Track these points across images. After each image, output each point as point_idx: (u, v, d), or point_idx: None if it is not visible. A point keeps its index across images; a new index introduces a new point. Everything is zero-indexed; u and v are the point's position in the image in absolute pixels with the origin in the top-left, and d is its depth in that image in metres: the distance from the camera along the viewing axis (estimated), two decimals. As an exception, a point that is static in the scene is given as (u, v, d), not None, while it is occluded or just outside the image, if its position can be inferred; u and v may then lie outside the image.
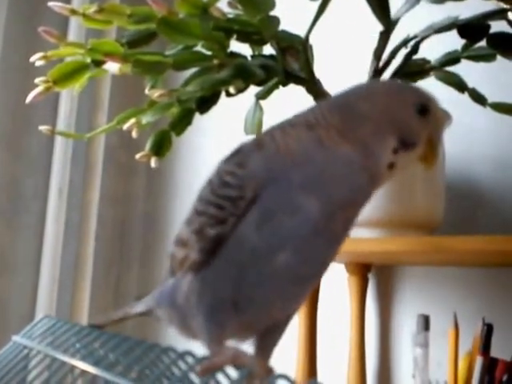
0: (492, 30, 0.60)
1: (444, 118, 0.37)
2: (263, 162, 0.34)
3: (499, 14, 0.61)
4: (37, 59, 0.57)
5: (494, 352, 0.61)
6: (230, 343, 0.35)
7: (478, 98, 0.64)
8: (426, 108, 0.36)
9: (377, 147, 0.35)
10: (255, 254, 0.33)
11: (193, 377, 0.35)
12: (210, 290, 0.35)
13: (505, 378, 0.60)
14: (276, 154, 0.34)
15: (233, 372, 0.31)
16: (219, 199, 0.35)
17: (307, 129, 0.35)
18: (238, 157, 0.36)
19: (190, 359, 0.34)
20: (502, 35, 0.60)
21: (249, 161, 0.34)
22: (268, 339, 0.38)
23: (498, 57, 0.62)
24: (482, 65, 0.64)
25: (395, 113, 0.36)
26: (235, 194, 0.34)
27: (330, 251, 0.36)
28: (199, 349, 0.36)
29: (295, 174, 0.33)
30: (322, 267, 0.36)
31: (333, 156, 0.34)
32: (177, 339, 0.35)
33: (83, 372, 0.38)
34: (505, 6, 0.60)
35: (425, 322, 0.63)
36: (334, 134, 0.35)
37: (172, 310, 0.38)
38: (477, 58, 0.64)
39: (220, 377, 0.33)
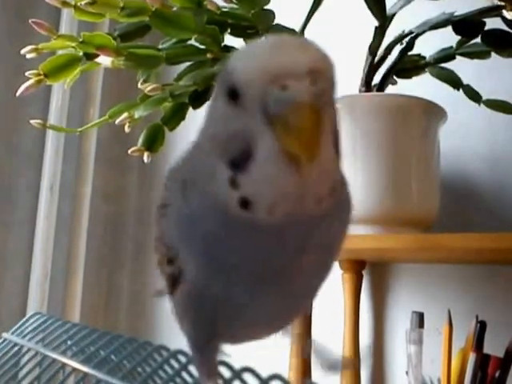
0: (487, 27, 0.60)
1: (268, 69, 0.24)
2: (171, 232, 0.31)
3: (494, 11, 0.61)
4: (28, 52, 0.56)
5: (487, 349, 0.61)
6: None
7: (473, 95, 0.64)
8: (234, 85, 0.24)
9: (214, 188, 0.26)
10: (216, 304, 0.29)
11: (185, 375, 0.34)
12: (187, 312, 0.32)
13: (497, 374, 0.60)
14: (174, 227, 0.30)
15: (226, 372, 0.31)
16: (161, 234, 0.32)
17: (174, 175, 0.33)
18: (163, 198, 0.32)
19: (182, 358, 0.34)
20: (496, 32, 0.60)
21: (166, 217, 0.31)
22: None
23: (493, 54, 0.62)
24: (476, 62, 0.64)
25: (211, 124, 0.27)
26: (166, 242, 0.31)
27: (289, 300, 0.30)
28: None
29: (193, 254, 0.29)
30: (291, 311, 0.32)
31: (194, 214, 0.28)
32: (169, 338, 0.35)
33: (74, 369, 0.38)
34: (499, 3, 0.60)
35: (419, 320, 0.63)
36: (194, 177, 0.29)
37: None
38: (471, 54, 0.63)
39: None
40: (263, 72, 0.24)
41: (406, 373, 0.64)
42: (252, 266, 0.27)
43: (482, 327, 0.61)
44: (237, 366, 0.31)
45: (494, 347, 0.61)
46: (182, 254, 0.29)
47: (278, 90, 0.23)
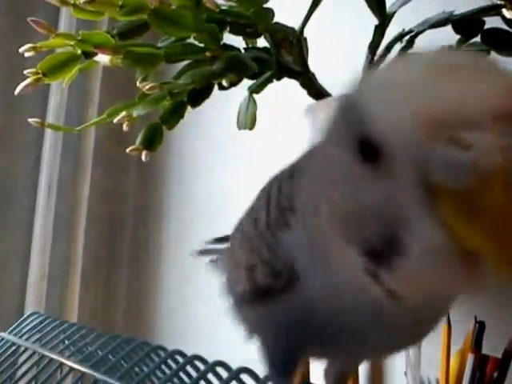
0: (486, 26, 0.60)
1: (436, 114, 0.15)
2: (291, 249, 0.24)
3: (494, 10, 0.60)
4: (26, 50, 0.56)
5: (486, 349, 0.61)
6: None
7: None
8: (374, 143, 0.17)
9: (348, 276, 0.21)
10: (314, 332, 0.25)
11: (182, 375, 0.34)
12: (274, 330, 0.27)
13: (495, 375, 0.60)
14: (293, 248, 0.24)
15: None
16: (274, 242, 0.25)
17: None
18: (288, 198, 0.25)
19: (179, 358, 0.33)
20: (496, 31, 0.60)
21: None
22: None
23: (492, 53, 0.62)
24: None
25: (336, 201, 0.19)
26: (283, 259, 0.24)
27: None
28: (189, 348, 0.35)
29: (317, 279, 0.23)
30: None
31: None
32: (167, 338, 0.34)
33: (72, 369, 0.38)
34: (499, 2, 0.60)
35: (417, 320, 0.63)
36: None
37: None
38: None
39: (210, 376, 0.32)
40: (425, 119, 0.15)
41: (405, 373, 0.64)
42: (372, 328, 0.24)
43: (480, 328, 0.61)
44: (236, 365, 0.31)
45: (492, 348, 0.61)
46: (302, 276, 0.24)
47: (450, 148, 0.15)
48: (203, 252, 0.45)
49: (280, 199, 0.25)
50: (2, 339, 0.46)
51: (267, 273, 0.25)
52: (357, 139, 0.17)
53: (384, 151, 0.16)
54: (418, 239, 0.17)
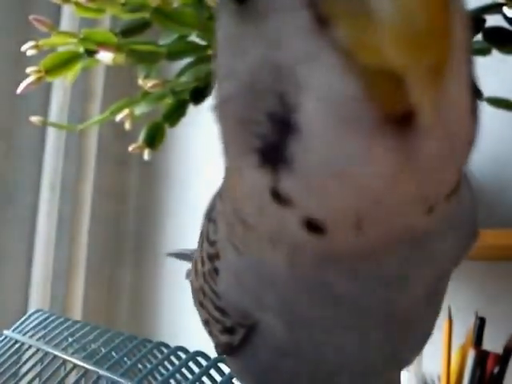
0: (488, 24, 0.60)
1: None
2: (234, 293, 0.21)
3: (495, 7, 0.60)
4: (28, 48, 0.56)
5: (486, 345, 0.61)
6: None
7: (474, 93, 0.64)
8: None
9: (255, 211, 0.16)
10: (294, 378, 0.22)
11: (185, 372, 0.34)
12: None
13: (496, 370, 0.60)
14: (234, 284, 0.21)
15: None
16: (217, 305, 0.22)
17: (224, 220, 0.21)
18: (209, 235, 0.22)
19: (182, 355, 0.34)
20: (497, 29, 0.60)
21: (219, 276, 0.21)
22: None
23: (494, 51, 0.62)
24: (477, 59, 0.63)
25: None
26: (229, 309, 0.22)
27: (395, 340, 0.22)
28: (192, 345, 0.35)
29: (272, 310, 0.20)
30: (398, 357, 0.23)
31: (260, 272, 0.19)
32: (169, 335, 0.35)
33: (75, 366, 0.38)
34: (501, 0, 0.60)
35: (419, 316, 0.63)
36: (238, 224, 0.19)
37: None
38: (472, 51, 0.63)
39: (213, 372, 0.33)
40: None
41: (407, 369, 0.64)
42: (341, 317, 0.19)
43: (481, 324, 0.61)
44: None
45: (493, 343, 0.61)
46: (250, 314, 0.21)
47: None
48: (176, 255, 0.44)
49: (208, 246, 0.22)
50: (6, 337, 0.46)
51: (221, 329, 0.23)
52: None
53: None
54: (316, 94, 0.12)
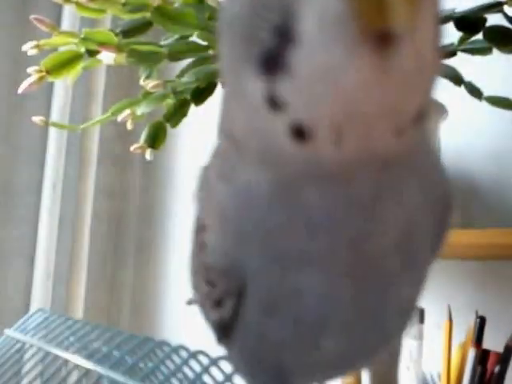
0: (488, 23, 0.60)
1: None
2: (222, 241, 0.22)
3: (496, 6, 0.60)
4: (29, 48, 0.56)
5: (487, 344, 0.61)
6: None
7: (474, 92, 0.64)
8: None
9: (247, 121, 0.17)
10: (287, 348, 0.23)
11: (187, 371, 0.35)
12: (245, 365, 0.25)
13: (496, 369, 0.60)
14: (223, 228, 0.22)
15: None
16: (205, 270, 0.23)
17: (216, 160, 0.23)
18: (201, 199, 0.24)
19: (183, 353, 0.34)
20: (498, 28, 0.60)
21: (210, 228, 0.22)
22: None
23: (494, 50, 0.62)
24: (478, 58, 0.63)
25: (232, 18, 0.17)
26: (217, 262, 0.22)
27: (397, 290, 0.22)
28: (193, 343, 0.36)
29: (256, 253, 0.21)
30: (394, 313, 0.23)
31: (246, 199, 0.20)
32: (171, 334, 0.35)
33: (77, 365, 0.38)
34: (501, -2, 0.60)
35: (419, 315, 0.63)
36: (228, 150, 0.21)
37: None
38: (473, 50, 0.63)
39: (214, 371, 0.33)
40: None
41: (407, 368, 0.64)
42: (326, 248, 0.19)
43: (481, 322, 0.61)
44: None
45: (493, 342, 0.61)
46: (236, 270, 0.21)
47: None
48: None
49: (196, 226, 0.24)
50: (8, 336, 0.46)
51: (212, 305, 0.24)
52: None
53: None
54: (312, 15, 0.14)
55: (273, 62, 0.15)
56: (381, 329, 0.23)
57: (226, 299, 0.22)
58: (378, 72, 0.14)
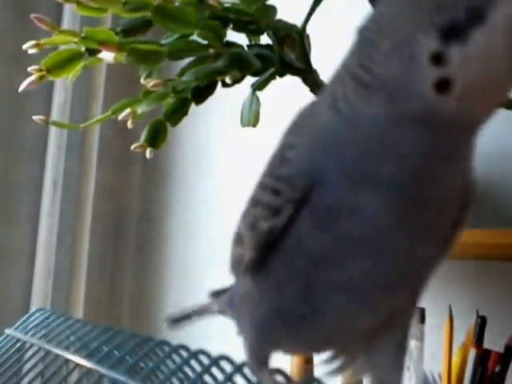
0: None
1: None
2: (304, 155, 0.26)
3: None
4: (29, 47, 0.56)
5: (487, 344, 0.61)
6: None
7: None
8: None
9: (402, 71, 0.22)
10: (321, 260, 0.26)
11: (187, 370, 0.34)
12: (268, 298, 0.28)
13: (497, 369, 0.60)
14: (309, 143, 0.26)
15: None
16: (275, 181, 0.26)
17: (326, 92, 0.26)
18: (298, 126, 0.28)
19: (184, 353, 0.34)
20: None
21: (298, 145, 0.26)
22: (377, 357, 0.29)
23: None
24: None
25: None
26: (293, 172, 0.25)
27: (423, 249, 0.26)
28: (193, 343, 0.36)
29: (336, 167, 0.24)
30: (419, 270, 0.27)
31: (350, 124, 0.24)
32: (172, 333, 0.35)
33: (77, 365, 0.38)
34: None
35: (420, 315, 0.63)
36: (348, 86, 0.24)
37: (232, 314, 0.33)
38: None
39: (215, 370, 0.33)
40: None
41: (408, 368, 0.64)
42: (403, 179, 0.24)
43: (482, 322, 0.61)
44: (240, 359, 0.31)
45: (494, 342, 0.61)
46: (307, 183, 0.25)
47: None
48: (177, 320, 0.43)
49: (282, 150, 0.28)
50: (8, 335, 0.46)
51: (268, 214, 0.26)
52: None
53: None
54: (499, 13, 0.20)
55: (455, 31, 0.20)
56: (406, 272, 0.26)
57: (286, 206, 0.25)
58: None
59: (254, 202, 0.29)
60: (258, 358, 0.29)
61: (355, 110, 0.24)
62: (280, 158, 0.27)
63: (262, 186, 0.28)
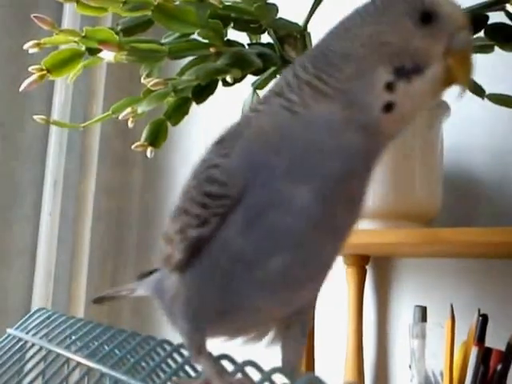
0: (490, 21, 0.60)
1: (460, 15, 0.29)
2: (244, 153, 0.29)
3: (497, 4, 0.60)
4: (30, 47, 0.56)
5: (489, 342, 0.61)
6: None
7: (477, 90, 0.64)
8: (429, 13, 0.29)
9: (361, 90, 0.28)
10: (243, 260, 0.29)
11: (188, 369, 0.35)
12: (194, 295, 0.31)
13: (499, 367, 0.60)
14: (254, 141, 0.29)
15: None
16: (203, 197, 0.30)
17: (276, 98, 0.30)
18: (223, 146, 0.31)
19: (185, 352, 0.34)
20: (500, 26, 0.60)
21: (232, 152, 0.29)
22: (286, 336, 0.33)
23: (496, 48, 0.62)
24: (480, 56, 0.63)
25: (383, 35, 0.29)
26: (220, 191, 0.29)
27: (337, 242, 0.30)
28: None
29: (275, 161, 0.28)
30: (327, 263, 0.31)
31: (306, 124, 0.28)
32: (172, 333, 0.35)
33: (78, 364, 0.38)
34: (504, -4, 0.60)
35: (422, 314, 0.63)
36: (306, 93, 0.29)
37: (162, 305, 0.36)
38: (475, 48, 0.63)
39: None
40: (461, 16, 0.30)
41: (409, 366, 0.64)
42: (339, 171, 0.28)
43: (483, 321, 0.61)
44: (240, 360, 0.31)
45: (495, 340, 0.61)
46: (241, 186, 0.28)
47: (463, 33, 0.29)
48: (100, 298, 0.48)
49: (207, 168, 0.31)
50: (9, 335, 0.46)
51: (196, 224, 0.30)
52: (418, 10, 0.29)
53: (436, 21, 0.29)
54: (433, 70, 0.29)
55: (405, 73, 0.28)
56: (319, 266, 0.31)
57: (214, 218, 0.29)
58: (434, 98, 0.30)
59: (183, 210, 0.32)
60: (195, 346, 0.31)
61: (312, 112, 0.29)
62: (206, 176, 0.31)
63: (189, 198, 0.32)
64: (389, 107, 0.28)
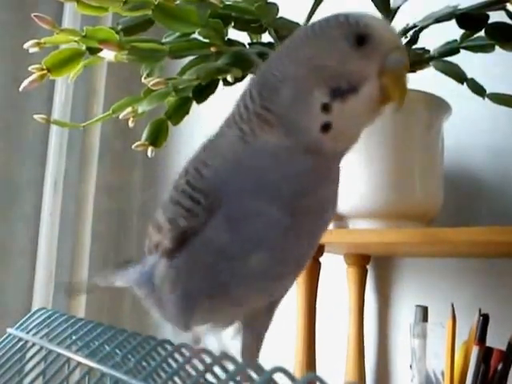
0: (491, 20, 0.60)
1: (393, 37, 0.31)
2: (218, 171, 0.32)
3: (498, 4, 0.60)
4: (31, 46, 0.56)
5: (490, 342, 0.61)
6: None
7: (477, 89, 0.64)
8: (364, 35, 0.30)
9: (299, 113, 0.30)
10: (226, 255, 0.32)
11: (189, 369, 0.34)
12: (182, 280, 0.34)
13: (500, 367, 0.60)
14: (221, 164, 0.32)
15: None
16: (194, 192, 0.32)
17: (232, 127, 0.33)
18: (212, 148, 0.34)
19: (186, 352, 0.34)
20: (500, 25, 0.60)
21: (211, 164, 0.33)
22: (254, 327, 0.37)
23: (497, 47, 0.62)
24: (480, 55, 0.63)
25: (318, 58, 0.30)
26: (206, 186, 0.32)
27: (305, 245, 0.34)
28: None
29: (242, 184, 0.31)
30: (300, 262, 0.35)
31: (256, 153, 0.31)
32: (173, 332, 0.35)
33: (79, 364, 0.38)
34: (504, -5, 0.60)
35: (423, 313, 0.63)
36: (254, 123, 0.31)
37: (149, 291, 0.37)
38: (475, 48, 0.63)
39: (216, 369, 0.33)
40: (394, 37, 0.32)
41: (410, 366, 0.64)
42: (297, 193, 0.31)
43: (484, 320, 0.61)
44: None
45: (496, 340, 0.61)
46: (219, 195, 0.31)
47: (397, 53, 0.30)
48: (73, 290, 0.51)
49: (198, 165, 0.33)
50: (10, 335, 0.46)
51: (187, 215, 0.32)
52: (353, 33, 0.30)
53: (370, 44, 0.30)
54: (367, 90, 0.30)
55: (339, 93, 0.30)
56: (293, 264, 0.34)
57: (203, 212, 0.32)
58: (373, 117, 0.32)
59: (175, 201, 0.34)
60: (183, 323, 0.34)
61: (261, 142, 0.31)
62: (198, 171, 0.33)
63: (182, 191, 0.34)
64: (326, 127, 0.30)
